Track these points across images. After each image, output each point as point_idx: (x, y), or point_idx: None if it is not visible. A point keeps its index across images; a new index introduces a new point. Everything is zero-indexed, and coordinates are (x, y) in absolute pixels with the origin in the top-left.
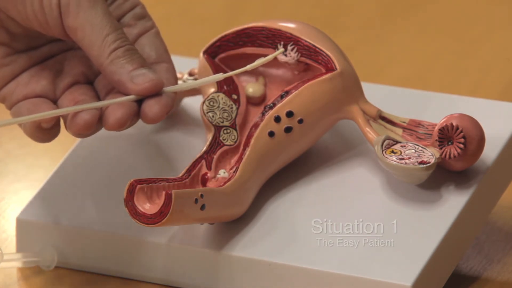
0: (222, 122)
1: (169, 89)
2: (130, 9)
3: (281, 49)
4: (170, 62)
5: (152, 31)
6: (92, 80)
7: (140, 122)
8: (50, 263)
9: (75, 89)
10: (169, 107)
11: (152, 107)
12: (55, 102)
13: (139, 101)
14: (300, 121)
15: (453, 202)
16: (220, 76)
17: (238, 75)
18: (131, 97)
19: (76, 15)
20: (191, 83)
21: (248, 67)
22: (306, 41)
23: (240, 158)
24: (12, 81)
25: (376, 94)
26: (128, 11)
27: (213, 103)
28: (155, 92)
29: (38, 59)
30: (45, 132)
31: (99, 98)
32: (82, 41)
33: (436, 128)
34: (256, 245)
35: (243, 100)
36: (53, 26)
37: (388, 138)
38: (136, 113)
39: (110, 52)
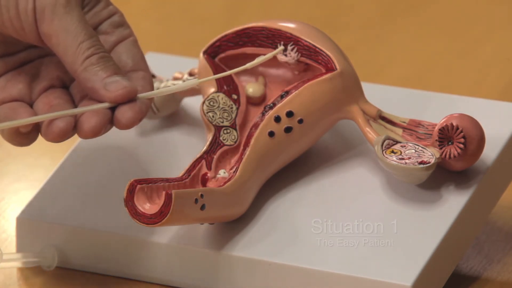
0: (222, 122)
1: (143, 95)
2: (107, 17)
3: (281, 47)
4: (146, 70)
5: (130, 39)
6: (68, 84)
7: (143, 122)
8: (51, 263)
9: (50, 93)
10: (142, 113)
11: (125, 113)
12: (31, 105)
13: (113, 108)
14: (300, 121)
15: (453, 202)
16: (195, 81)
17: (238, 75)
18: (105, 104)
19: (51, 21)
20: (166, 89)
21: (248, 65)
22: (306, 41)
23: (240, 158)
24: None
25: (376, 94)
26: (105, 19)
27: (213, 103)
28: (128, 99)
29: (15, 65)
30: (23, 136)
31: (74, 103)
32: (56, 47)
33: (436, 128)
34: (256, 245)
35: (243, 100)
36: (29, 32)
37: (388, 138)
38: (110, 120)
39: (84, 59)
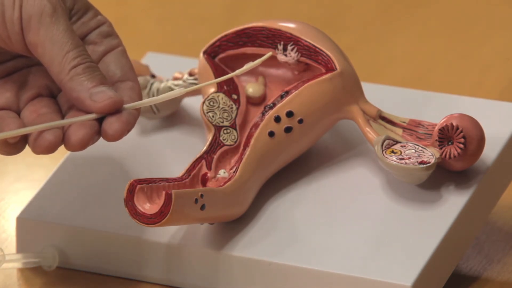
0: (222, 122)
1: (129, 106)
2: (96, 27)
3: (269, 54)
4: (135, 80)
5: (118, 49)
6: (55, 94)
7: (143, 122)
8: (52, 263)
9: (38, 101)
10: (130, 124)
11: (112, 124)
12: (19, 114)
13: (100, 120)
14: (300, 121)
15: (453, 202)
16: (182, 91)
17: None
18: (92, 115)
19: (37, 31)
20: (150, 99)
21: (237, 72)
22: (306, 41)
23: (240, 158)
24: None
25: (376, 94)
26: (94, 29)
27: (213, 103)
28: (114, 110)
29: (2, 74)
30: (11, 146)
31: (61, 112)
32: (42, 57)
33: (436, 128)
34: (256, 245)
35: (243, 100)
36: (15, 42)
37: (388, 138)
38: (98, 132)
39: (70, 68)
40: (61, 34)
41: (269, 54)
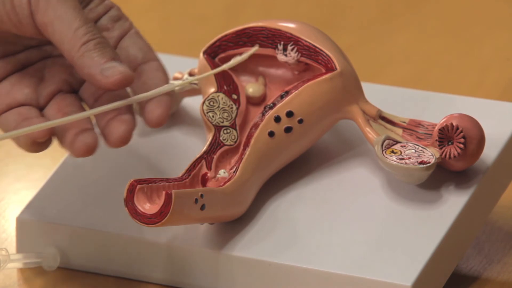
0: (222, 122)
1: (119, 103)
2: (104, 12)
3: (256, 47)
4: (157, 59)
5: (132, 31)
6: (76, 88)
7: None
8: (53, 263)
9: (61, 99)
10: (169, 108)
11: (154, 111)
12: (39, 109)
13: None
14: (300, 121)
15: (453, 202)
16: (172, 86)
17: (238, 75)
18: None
19: (45, 11)
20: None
21: (224, 66)
22: (306, 41)
23: (240, 158)
24: None
25: (376, 94)
26: (102, 15)
27: (213, 103)
28: (126, 86)
29: (16, 67)
30: (40, 144)
31: (84, 108)
32: (53, 36)
33: (436, 128)
34: (256, 245)
35: (243, 100)
36: (26, 25)
37: (388, 138)
38: (135, 124)
39: (81, 45)
40: (69, 12)
41: (256, 48)
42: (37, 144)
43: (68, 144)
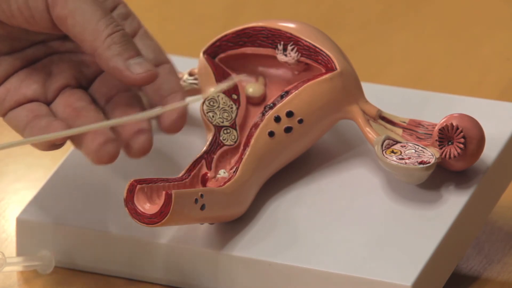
0: (222, 122)
1: (106, 124)
2: (113, 7)
3: (242, 75)
4: (169, 61)
5: (141, 31)
6: (83, 84)
7: None
8: (48, 267)
9: (70, 94)
10: (186, 115)
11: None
12: (47, 105)
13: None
14: (300, 121)
15: (453, 202)
16: (158, 110)
17: (238, 75)
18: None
19: (65, 3)
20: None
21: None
22: (306, 41)
23: (240, 158)
24: (1, 86)
25: (376, 94)
26: (111, 10)
27: (213, 103)
28: (149, 83)
29: (23, 62)
30: (56, 146)
31: (95, 104)
32: (73, 28)
33: (436, 128)
34: (256, 245)
35: (243, 100)
36: (39, 19)
37: (388, 138)
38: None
39: (106, 36)
40: (90, 3)
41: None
42: (54, 146)
43: (91, 151)
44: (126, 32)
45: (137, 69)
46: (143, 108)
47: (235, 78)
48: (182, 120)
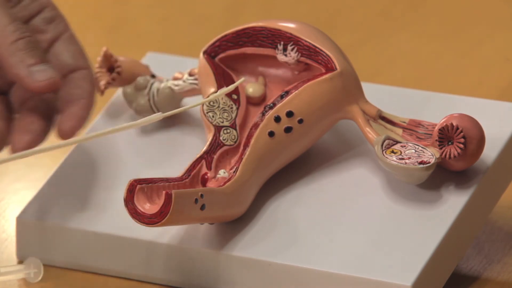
0: (222, 122)
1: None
2: (38, 11)
3: (242, 79)
4: (87, 67)
5: (66, 35)
6: (4, 90)
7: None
8: (36, 275)
9: None
10: (84, 120)
11: (66, 122)
12: None
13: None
14: (300, 121)
15: (453, 202)
16: (159, 116)
17: (238, 75)
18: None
19: None
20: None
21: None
22: (306, 41)
23: (240, 158)
24: None
25: (376, 94)
26: (36, 13)
27: (213, 103)
28: (52, 91)
29: None
30: None
31: (10, 110)
32: None
33: (436, 128)
34: (256, 245)
35: (243, 100)
36: None
37: (388, 138)
38: (43, 134)
39: (11, 43)
40: None
41: (242, 79)
42: None
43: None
44: (33, 38)
45: (39, 76)
46: (53, 112)
47: (242, 78)
48: (77, 127)
